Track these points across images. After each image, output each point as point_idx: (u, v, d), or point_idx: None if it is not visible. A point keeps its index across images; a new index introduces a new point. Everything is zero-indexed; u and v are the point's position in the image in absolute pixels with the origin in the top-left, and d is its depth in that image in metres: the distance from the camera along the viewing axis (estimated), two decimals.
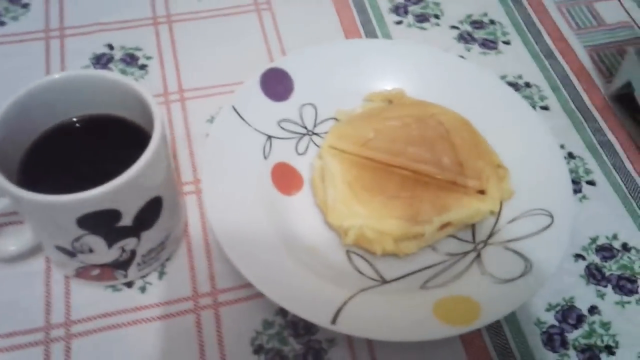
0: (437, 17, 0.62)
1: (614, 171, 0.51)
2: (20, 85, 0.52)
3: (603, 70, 0.59)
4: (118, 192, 0.34)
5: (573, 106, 0.56)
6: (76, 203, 0.33)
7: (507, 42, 0.61)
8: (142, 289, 0.42)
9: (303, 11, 0.61)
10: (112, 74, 0.39)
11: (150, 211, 0.38)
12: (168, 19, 0.59)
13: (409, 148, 0.45)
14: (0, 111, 0.37)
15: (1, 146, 0.36)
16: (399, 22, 0.62)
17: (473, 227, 0.45)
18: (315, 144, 0.50)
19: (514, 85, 0.57)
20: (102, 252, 0.38)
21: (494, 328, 0.42)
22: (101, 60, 0.55)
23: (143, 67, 0.55)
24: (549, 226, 0.42)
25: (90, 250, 0.37)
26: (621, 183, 0.50)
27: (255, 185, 0.45)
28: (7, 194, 0.34)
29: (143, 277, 0.43)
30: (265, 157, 0.47)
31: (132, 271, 0.41)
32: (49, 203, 0.33)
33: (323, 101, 0.51)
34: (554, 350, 0.41)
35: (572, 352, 0.41)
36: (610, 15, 0.64)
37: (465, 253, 0.43)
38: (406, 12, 0.63)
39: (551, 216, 0.43)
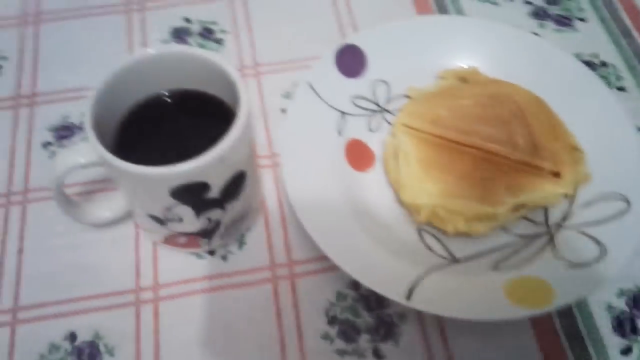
0: None
1: None
2: (105, 57, 0.55)
3: None
4: (210, 165, 0.36)
5: None
6: (172, 175, 0.35)
7: (582, 19, 0.59)
8: (224, 258, 0.45)
9: None
10: (203, 52, 0.40)
11: (235, 184, 0.40)
12: None
13: (483, 127, 0.46)
14: (98, 85, 0.38)
15: (100, 118, 0.38)
16: None
17: (546, 209, 0.45)
18: (386, 121, 0.51)
19: (589, 64, 0.56)
20: (191, 221, 0.40)
21: (564, 311, 0.43)
22: (179, 34, 0.57)
23: (219, 41, 0.57)
24: (625, 211, 0.42)
25: (180, 220, 0.40)
26: None
27: (330, 161, 0.46)
28: (109, 165, 0.36)
29: (224, 246, 0.45)
30: (339, 134, 0.48)
31: (216, 240, 0.43)
32: (147, 174, 0.35)
33: (395, 78, 0.51)
34: (623, 335, 0.42)
35: None
36: None
37: (538, 235, 0.44)
38: None
39: (628, 201, 0.42)
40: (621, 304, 0.43)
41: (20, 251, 0.45)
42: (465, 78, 0.51)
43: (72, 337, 0.41)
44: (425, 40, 0.52)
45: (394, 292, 0.38)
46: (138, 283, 0.43)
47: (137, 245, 0.45)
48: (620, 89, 0.54)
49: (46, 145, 0.50)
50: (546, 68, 0.50)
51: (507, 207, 0.43)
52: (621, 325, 0.42)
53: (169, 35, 0.57)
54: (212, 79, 0.41)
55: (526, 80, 0.49)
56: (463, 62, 0.52)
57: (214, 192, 0.39)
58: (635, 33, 0.58)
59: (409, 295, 0.38)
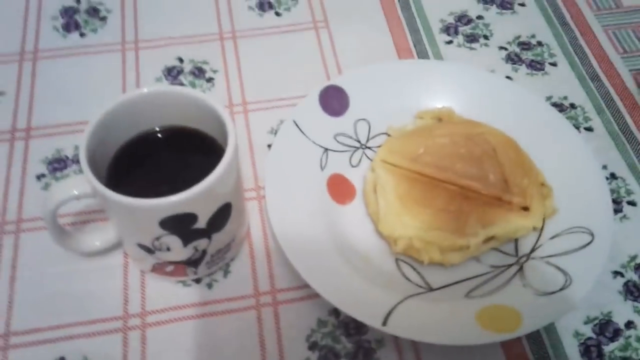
0: (486, 37, 0.65)
1: None
2: (99, 94, 0.58)
3: None
4: (197, 197, 0.38)
5: (616, 128, 0.58)
6: (162, 206, 0.38)
7: (553, 64, 0.63)
8: (209, 286, 0.47)
9: (358, 30, 0.65)
10: (193, 91, 0.43)
11: (222, 215, 0.42)
12: (233, 35, 0.63)
13: (457, 164, 0.48)
14: (93, 120, 0.41)
15: (94, 152, 0.40)
16: (449, 42, 0.64)
17: (516, 241, 0.48)
18: (367, 157, 0.53)
19: (559, 106, 0.59)
20: (178, 250, 0.42)
21: (534, 338, 0.45)
22: (172, 73, 0.60)
23: (210, 79, 0.60)
24: (589, 244, 0.45)
25: (168, 249, 0.42)
26: None
27: (313, 194, 0.49)
28: (101, 197, 0.38)
29: (210, 274, 0.47)
30: (322, 169, 0.51)
31: (202, 269, 0.45)
32: (138, 206, 0.37)
33: (376, 117, 0.54)
34: None
35: None
36: None
37: (508, 266, 0.46)
38: (456, 33, 0.65)
39: (592, 234, 0.45)
40: (588, 331, 0.45)
41: (12, 279, 0.46)
42: (441, 118, 0.54)
43: None
44: (405, 82, 0.55)
45: (370, 318, 0.40)
46: (126, 310, 0.45)
47: (126, 273, 0.47)
48: (588, 129, 0.58)
49: (40, 177, 0.52)
50: (517, 110, 0.53)
51: (480, 239, 0.46)
52: (588, 351, 0.44)
53: (162, 73, 0.60)
54: (201, 116, 0.43)
55: (498, 120, 0.52)
56: (439, 103, 0.55)
57: (201, 223, 0.41)
58: (602, 77, 0.62)
59: (384, 321, 0.40)
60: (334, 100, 0.54)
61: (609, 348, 0.45)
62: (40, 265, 0.47)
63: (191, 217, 0.40)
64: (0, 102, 0.57)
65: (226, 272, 0.47)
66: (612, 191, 0.53)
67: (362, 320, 0.40)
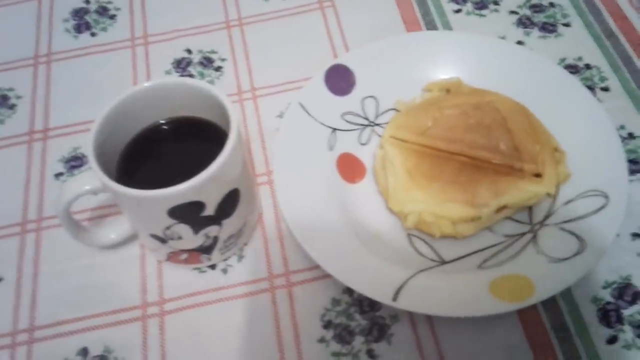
0: (495, 3, 0.64)
1: None
2: (112, 91, 0.58)
3: None
4: (202, 186, 0.39)
5: (634, 86, 0.56)
6: (167, 196, 0.38)
7: (567, 25, 0.61)
8: (224, 271, 0.47)
9: (364, 6, 0.64)
10: (194, 81, 0.43)
11: (230, 201, 0.43)
12: (239, 22, 0.64)
13: (466, 135, 0.48)
14: (98, 120, 0.42)
15: (102, 148, 0.41)
16: (458, 11, 0.63)
17: (530, 209, 0.47)
18: (377, 134, 0.53)
19: (574, 68, 0.57)
20: (189, 238, 0.43)
21: (550, 305, 0.44)
22: (181, 64, 0.61)
23: (219, 68, 0.60)
24: (604, 207, 0.44)
25: (179, 237, 0.43)
26: None
27: (322, 175, 0.49)
28: (110, 190, 0.39)
29: (224, 260, 0.48)
30: (330, 149, 0.51)
31: (215, 255, 0.46)
32: (145, 197, 0.38)
33: (383, 93, 0.54)
34: (609, 325, 0.43)
35: (627, 327, 0.43)
36: None
37: (522, 234, 0.46)
38: (465, 0, 0.64)
39: (606, 197, 0.44)
40: (606, 296, 0.44)
41: (35, 275, 0.48)
42: (449, 89, 0.53)
43: (84, 352, 0.44)
44: (410, 55, 0.55)
45: (380, 294, 0.41)
46: (145, 299, 0.46)
47: (143, 264, 0.48)
48: (605, 89, 0.56)
49: (58, 175, 0.54)
50: (527, 75, 0.52)
51: (491, 209, 0.45)
52: (607, 315, 0.43)
53: (171, 66, 0.61)
54: (204, 105, 0.44)
55: (508, 87, 0.51)
56: (447, 74, 0.54)
57: (209, 210, 0.41)
58: (618, 34, 0.60)
59: (395, 297, 0.40)
60: (339, 80, 0.53)
61: (628, 312, 0.44)
62: (61, 261, 0.49)
63: (199, 205, 0.40)
64: (17, 106, 0.59)
65: (240, 257, 0.48)
66: (631, 151, 0.51)
67: (372, 296, 0.41)
